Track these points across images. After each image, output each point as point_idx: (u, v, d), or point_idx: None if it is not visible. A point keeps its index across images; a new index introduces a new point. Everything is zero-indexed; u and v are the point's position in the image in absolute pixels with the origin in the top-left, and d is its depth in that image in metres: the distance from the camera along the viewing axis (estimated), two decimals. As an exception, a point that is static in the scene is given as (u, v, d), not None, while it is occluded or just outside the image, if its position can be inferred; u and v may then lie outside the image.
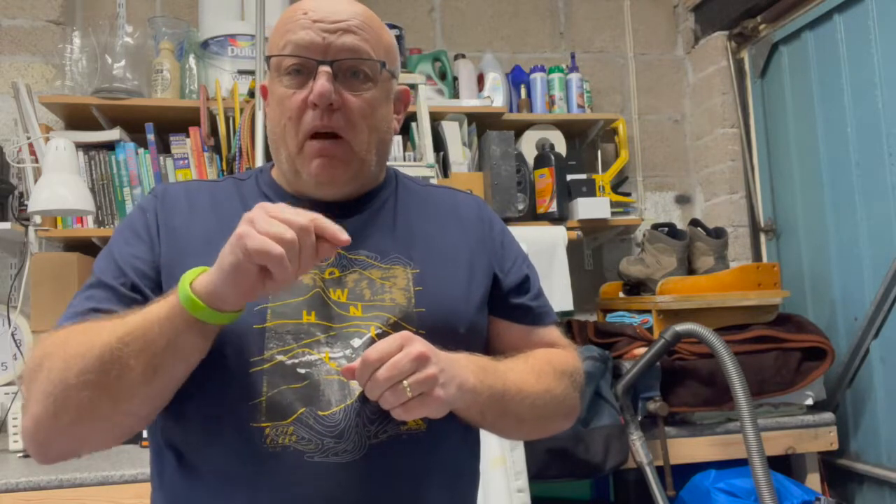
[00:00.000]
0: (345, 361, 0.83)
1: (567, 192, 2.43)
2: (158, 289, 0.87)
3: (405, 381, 0.75)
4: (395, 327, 0.86)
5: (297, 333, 0.84)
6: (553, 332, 1.03)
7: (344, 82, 0.88)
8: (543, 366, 0.96)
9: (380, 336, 0.85)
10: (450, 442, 0.90)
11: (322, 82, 0.86)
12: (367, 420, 0.82)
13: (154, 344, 0.74)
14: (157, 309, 0.75)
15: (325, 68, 0.86)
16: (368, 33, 0.90)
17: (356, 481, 0.81)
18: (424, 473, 0.86)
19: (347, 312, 0.87)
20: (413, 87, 2.29)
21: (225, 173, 2.17)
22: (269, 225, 0.70)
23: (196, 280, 0.75)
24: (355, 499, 0.81)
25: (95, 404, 0.76)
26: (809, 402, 2.11)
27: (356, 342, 0.85)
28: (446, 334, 0.88)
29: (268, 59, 0.92)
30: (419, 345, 0.77)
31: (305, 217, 0.71)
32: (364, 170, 0.93)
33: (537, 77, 2.58)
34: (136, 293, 0.86)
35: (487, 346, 0.99)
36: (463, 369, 0.82)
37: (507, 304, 1.00)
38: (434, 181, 2.11)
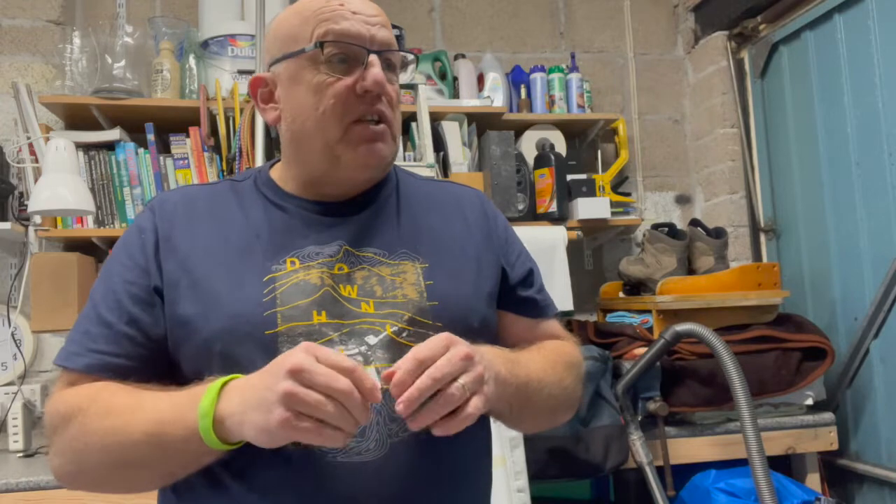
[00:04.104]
0: (360, 358, 0.83)
1: (567, 192, 2.43)
2: (152, 308, 0.87)
3: (461, 380, 0.74)
4: (411, 323, 0.86)
5: (309, 335, 0.83)
6: (556, 325, 1.05)
7: (384, 73, 0.90)
8: (555, 357, 0.97)
9: (395, 333, 0.85)
10: (467, 439, 0.88)
11: (378, 70, 0.88)
12: (388, 418, 0.82)
13: (169, 461, 0.78)
14: (175, 427, 0.76)
15: (376, 57, 0.88)
16: (390, 30, 0.93)
17: (379, 480, 0.81)
18: (445, 471, 0.87)
19: (359, 308, 0.87)
20: (413, 87, 2.30)
21: (225, 173, 2.17)
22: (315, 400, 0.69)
23: (220, 412, 0.74)
24: (379, 497, 0.81)
25: (112, 485, 0.84)
26: (809, 402, 2.11)
27: (372, 339, 0.84)
28: (461, 327, 0.87)
29: (321, 44, 0.88)
30: (464, 345, 0.77)
31: (343, 381, 0.70)
32: (394, 157, 0.95)
33: (537, 77, 2.58)
34: (134, 326, 0.86)
35: (496, 340, 1.00)
36: (495, 360, 0.83)
37: (515, 298, 1.00)
38: (434, 181, 2.12)
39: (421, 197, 1.01)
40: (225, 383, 0.77)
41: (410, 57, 0.97)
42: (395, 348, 0.85)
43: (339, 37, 0.88)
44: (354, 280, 0.89)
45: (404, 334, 0.86)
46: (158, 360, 0.87)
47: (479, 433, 0.94)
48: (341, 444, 0.72)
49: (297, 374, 0.69)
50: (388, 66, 0.92)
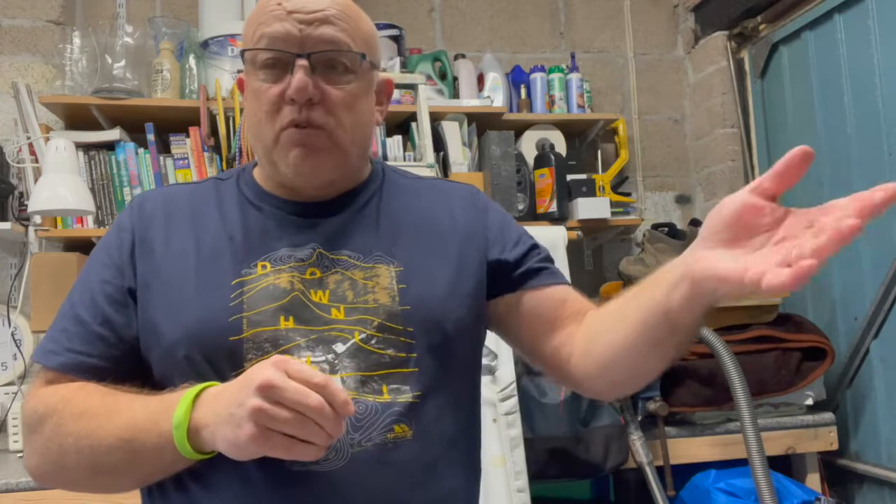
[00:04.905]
0: (326, 366, 0.81)
1: (567, 192, 2.43)
2: (126, 308, 0.86)
3: None
4: (381, 329, 0.84)
5: (275, 340, 0.82)
6: (581, 297, 0.97)
7: (323, 75, 0.85)
8: None
9: (364, 341, 0.83)
10: (438, 449, 0.86)
11: (300, 76, 0.82)
12: (350, 427, 0.80)
13: (142, 466, 0.79)
14: (149, 435, 0.76)
15: (303, 62, 0.83)
16: (347, 23, 0.86)
17: (338, 490, 0.79)
18: (410, 482, 0.83)
19: (329, 315, 0.84)
20: (413, 87, 2.30)
21: (225, 173, 2.17)
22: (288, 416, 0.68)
23: (195, 422, 0.74)
24: None
25: (87, 486, 0.85)
26: (809, 402, 2.11)
27: (339, 347, 0.83)
28: (434, 332, 0.86)
29: (243, 53, 0.89)
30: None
31: (315, 397, 0.68)
32: (346, 161, 0.89)
33: (537, 77, 2.58)
34: (107, 327, 0.85)
35: (510, 332, 0.96)
36: None
37: (517, 274, 0.95)
38: (434, 181, 2.12)
39: (406, 196, 0.97)
40: (199, 392, 0.76)
41: (358, 54, 0.87)
42: (363, 356, 0.83)
43: (270, 41, 0.84)
44: (327, 284, 0.86)
45: (373, 341, 0.84)
46: (132, 361, 0.86)
47: (452, 442, 0.88)
48: (313, 457, 0.71)
49: (266, 391, 0.68)
50: (333, 67, 0.86)
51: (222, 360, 0.81)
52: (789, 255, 0.59)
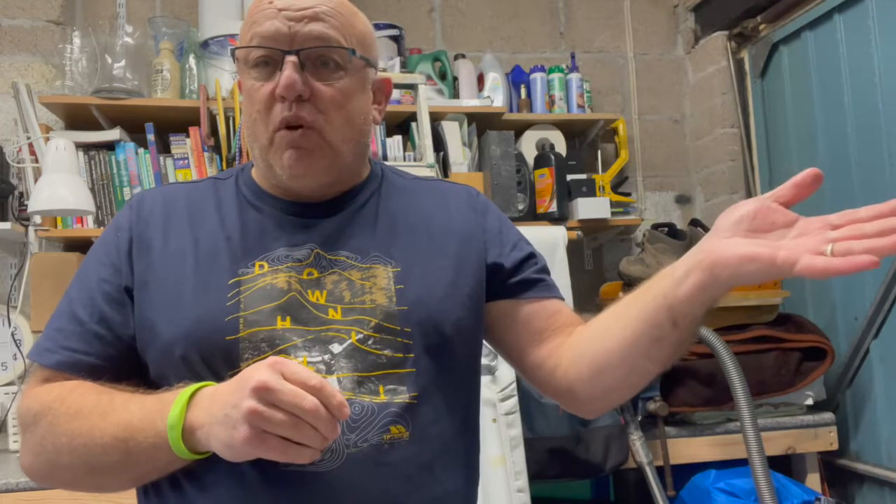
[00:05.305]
0: (323, 367, 0.81)
1: (567, 192, 2.43)
2: (123, 307, 0.86)
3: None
4: (378, 330, 0.84)
5: (271, 340, 0.82)
6: (573, 313, 0.97)
7: (313, 72, 0.85)
8: None
9: (360, 341, 0.83)
10: (435, 450, 0.85)
11: (288, 73, 0.82)
12: (346, 428, 0.79)
13: (137, 466, 0.79)
14: (145, 435, 0.76)
15: (292, 58, 0.83)
16: (338, 20, 0.86)
17: (334, 491, 0.78)
18: (407, 483, 0.82)
19: (326, 315, 0.84)
20: (413, 87, 2.30)
21: (225, 173, 2.17)
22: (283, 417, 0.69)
23: (190, 422, 0.74)
24: None
25: (82, 485, 0.85)
26: (809, 402, 2.11)
27: (336, 348, 0.82)
28: (432, 333, 0.86)
29: (233, 52, 0.89)
30: None
31: (310, 400, 0.68)
32: (339, 161, 0.88)
33: (537, 77, 2.58)
34: (104, 325, 0.85)
35: (497, 338, 0.96)
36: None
37: (511, 284, 0.95)
38: (434, 181, 2.12)
39: (404, 197, 0.97)
40: (194, 392, 0.76)
41: (348, 49, 0.86)
42: (360, 357, 0.83)
43: (260, 39, 0.84)
44: (324, 285, 0.86)
45: (370, 342, 0.83)
46: (128, 360, 0.86)
47: (451, 443, 0.88)
48: (308, 460, 0.71)
49: (261, 393, 0.68)
50: (324, 64, 0.85)
51: (219, 360, 0.81)
52: (819, 248, 0.63)
